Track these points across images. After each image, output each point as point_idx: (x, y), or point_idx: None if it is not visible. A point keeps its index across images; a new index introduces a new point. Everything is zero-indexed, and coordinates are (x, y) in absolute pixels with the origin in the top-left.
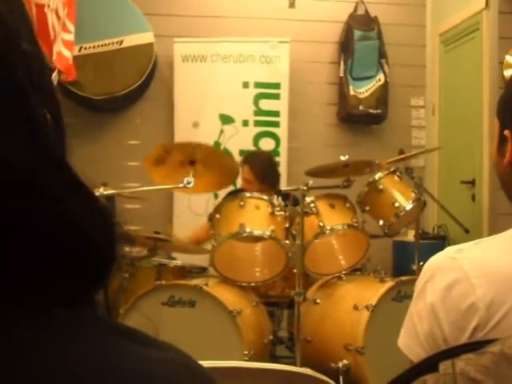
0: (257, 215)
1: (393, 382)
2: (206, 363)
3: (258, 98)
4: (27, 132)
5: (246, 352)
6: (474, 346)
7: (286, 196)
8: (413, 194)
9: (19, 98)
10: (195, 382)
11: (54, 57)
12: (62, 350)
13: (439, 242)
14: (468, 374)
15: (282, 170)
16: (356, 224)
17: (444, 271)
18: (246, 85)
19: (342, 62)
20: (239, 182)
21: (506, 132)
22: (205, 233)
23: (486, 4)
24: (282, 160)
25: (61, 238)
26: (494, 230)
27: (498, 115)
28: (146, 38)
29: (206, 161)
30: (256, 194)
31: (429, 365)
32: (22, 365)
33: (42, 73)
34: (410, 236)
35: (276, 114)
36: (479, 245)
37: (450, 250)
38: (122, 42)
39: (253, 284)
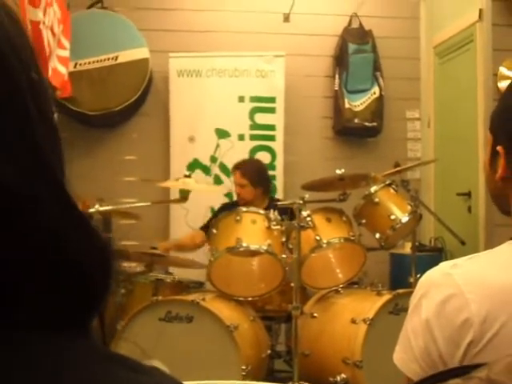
0: (253, 229)
1: None
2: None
3: (253, 112)
4: (30, 159)
5: (243, 367)
6: (461, 371)
7: (282, 210)
8: (409, 207)
9: (26, 125)
10: None
11: (50, 73)
12: (53, 376)
13: (436, 254)
14: None
15: (278, 183)
16: (352, 237)
17: (439, 286)
18: (241, 99)
19: (336, 76)
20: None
21: (499, 148)
22: (189, 240)
23: (480, 16)
24: (278, 174)
25: (56, 269)
26: (491, 241)
27: (490, 130)
28: (141, 53)
29: None
30: (252, 209)
31: None
32: None
33: (46, 102)
34: (407, 248)
35: (272, 127)
36: (474, 260)
37: (444, 266)
38: (117, 58)
39: (250, 298)
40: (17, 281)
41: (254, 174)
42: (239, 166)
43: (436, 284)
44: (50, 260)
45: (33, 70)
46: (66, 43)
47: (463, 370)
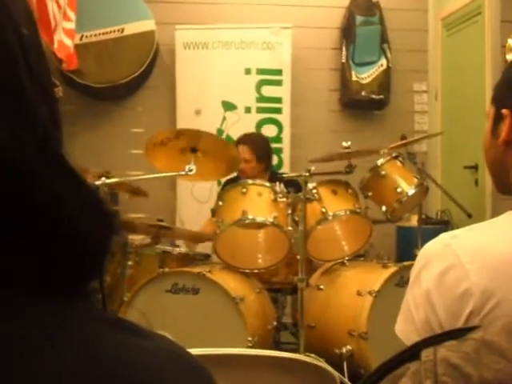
0: (259, 202)
1: (377, 370)
2: (203, 350)
3: (260, 84)
4: (21, 118)
5: (249, 338)
6: (457, 333)
7: (288, 182)
8: (415, 180)
9: (16, 84)
10: (183, 371)
11: (55, 45)
12: (47, 342)
13: (442, 226)
14: (449, 360)
15: (285, 156)
16: (359, 210)
17: (438, 257)
18: (248, 71)
19: (343, 48)
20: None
21: (505, 110)
22: (210, 228)
23: None
24: (285, 146)
25: (48, 228)
26: (497, 214)
27: (493, 99)
28: (147, 25)
29: (208, 149)
30: (258, 181)
31: (413, 352)
32: (6, 356)
33: (38, 58)
34: (414, 221)
35: (278, 100)
36: (474, 230)
37: (444, 236)
38: (123, 30)
39: (256, 271)
40: (10, 243)
41: (261, 149)
42: (247, 141)
43: (435, 255)
44: (46, 222)
45: (24, 27)
46: (72, 15)
47: (459, 333)
